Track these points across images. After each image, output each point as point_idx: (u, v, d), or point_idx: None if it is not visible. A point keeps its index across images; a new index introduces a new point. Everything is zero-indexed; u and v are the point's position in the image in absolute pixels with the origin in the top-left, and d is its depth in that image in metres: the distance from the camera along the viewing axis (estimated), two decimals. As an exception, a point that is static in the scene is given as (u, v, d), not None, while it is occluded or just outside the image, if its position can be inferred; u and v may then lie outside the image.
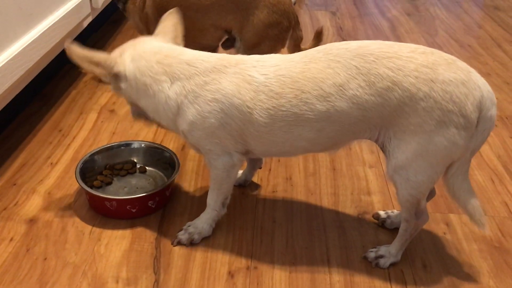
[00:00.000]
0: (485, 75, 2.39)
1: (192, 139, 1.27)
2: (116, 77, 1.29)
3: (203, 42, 1.87)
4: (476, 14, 3.29)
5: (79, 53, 1.26)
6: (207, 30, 1.81)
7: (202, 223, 1.38)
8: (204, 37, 1.85)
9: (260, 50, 1.75)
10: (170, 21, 1.38)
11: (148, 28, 1.91)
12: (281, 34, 1.78)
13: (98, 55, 1.27)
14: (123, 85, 1.29)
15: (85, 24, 2.16)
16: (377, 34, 2.92)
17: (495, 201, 1.57)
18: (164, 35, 1.35)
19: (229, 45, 1.87)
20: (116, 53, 1.31)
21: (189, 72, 1.24)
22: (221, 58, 1.26)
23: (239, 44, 1.80)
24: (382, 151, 1.24)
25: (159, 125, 1.39)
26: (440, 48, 2.72)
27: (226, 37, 1.86)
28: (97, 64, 1.26)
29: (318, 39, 1.89)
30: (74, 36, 2.08)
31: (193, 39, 1.85)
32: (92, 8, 2.19)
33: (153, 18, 1.85)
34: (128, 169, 1.61)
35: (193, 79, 1.23)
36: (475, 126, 1.14)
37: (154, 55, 1.27)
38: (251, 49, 1.77)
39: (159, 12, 1.82)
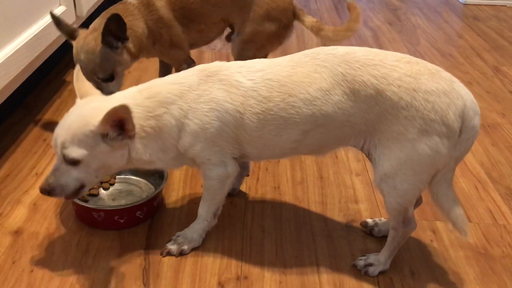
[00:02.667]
0: (466, 84, 2.42)
1: (193, 152, 1.26)
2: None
3: (211, 35, 1.90)
4: (456, 24, 3.35)
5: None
6: (218, 23, 1.85)
7: (192, 233, 1.37)
8: (214, 30, 1.88)
9: (256, 45, 1.81)
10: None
11: (159, 35, 1.75)
12: (279, 31, 1.82)
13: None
14: (139, 146, 1.22)
15: (70, 32, 2.15)
16: (360, 43, 2.96)
17: (479, 208, 1.60)
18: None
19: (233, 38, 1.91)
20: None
21: (179, 90, 1.23)
22: (203, 69, 1.27)
23: (236, 38, 1.84)
24: (369, 159, 1.26)
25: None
26: (421, 57, 2.76)
27: (230, 30, 1.91)
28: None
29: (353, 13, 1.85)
30: (58, 45, 2.06)
31: (202, 33, 1.84)
32: (77, 17, 2.17)
33: (173, 19, 1.72)
34: (115, 178, 1.60)
35: (186, 96, 1.23)
36: (458, 135, 1.17)
37: (139, 94, 1.24)
38: (248, 42, 1.82)
39: (182, 11, 1.73)
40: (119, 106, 1.11)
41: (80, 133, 1.16)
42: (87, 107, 1.23)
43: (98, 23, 1.66)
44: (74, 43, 1.65)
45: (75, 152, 1.16)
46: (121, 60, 1.67)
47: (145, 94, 1.24)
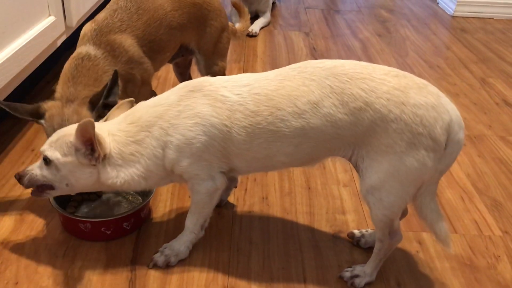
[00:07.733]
0: (454, 95, 2.48)
1: (180, 168, 1.26)
2: (104, 159, 1.23)
3: (166, 60, 1.84)
4: (444, 36, 3.40)
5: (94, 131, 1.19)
6: (176, 48, 1.83)
7: (179, 245, 1.37)
8: (172, 54, 1.83)
9: (217, 54, 1.88)
10: (123, 110, 1.35)
11: (131, 76, 1.59)
12: (230, 35, 1.95)
13: (98, 135, 1.20)
14: (109, 170, 1.24)
15: (59, 43, 2.15)
16: (349, 54, 2.99)
17: (465, 219, 1.61)
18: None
19: (174, 57, 1.88)
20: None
21: (158, 112, 1.25)
22: (183, 86, 1.29)
23: (199, 56, 1.87)
24: (356, 170, 1.27)
25: None
26: (410, 68, 2.80)
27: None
28: (99, 142, 1.20)
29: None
30: (48, 55, 2.06)
31: (164, 61, 1.80)
32: (66, 27, 2.17)
33: (143, 55, 1.61)
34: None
35: (166, 115, 1.24)
36: (443, 149, 1.18)
37: (124, 120, 1.28)
38: (210, 55, 1.87)
39: (151, 45, 1.63)
40: (85, 122, 1.17)
41: (63, 139, 1.24)
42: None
43: (69, 92, 1.43)
44: (44, 122, 1.40)
45: (50, 152, 1.24)
46: None
47: (129, 119, 1.28)
